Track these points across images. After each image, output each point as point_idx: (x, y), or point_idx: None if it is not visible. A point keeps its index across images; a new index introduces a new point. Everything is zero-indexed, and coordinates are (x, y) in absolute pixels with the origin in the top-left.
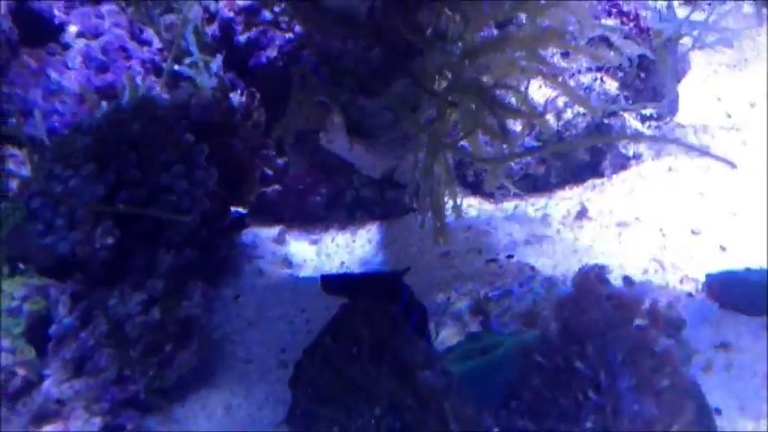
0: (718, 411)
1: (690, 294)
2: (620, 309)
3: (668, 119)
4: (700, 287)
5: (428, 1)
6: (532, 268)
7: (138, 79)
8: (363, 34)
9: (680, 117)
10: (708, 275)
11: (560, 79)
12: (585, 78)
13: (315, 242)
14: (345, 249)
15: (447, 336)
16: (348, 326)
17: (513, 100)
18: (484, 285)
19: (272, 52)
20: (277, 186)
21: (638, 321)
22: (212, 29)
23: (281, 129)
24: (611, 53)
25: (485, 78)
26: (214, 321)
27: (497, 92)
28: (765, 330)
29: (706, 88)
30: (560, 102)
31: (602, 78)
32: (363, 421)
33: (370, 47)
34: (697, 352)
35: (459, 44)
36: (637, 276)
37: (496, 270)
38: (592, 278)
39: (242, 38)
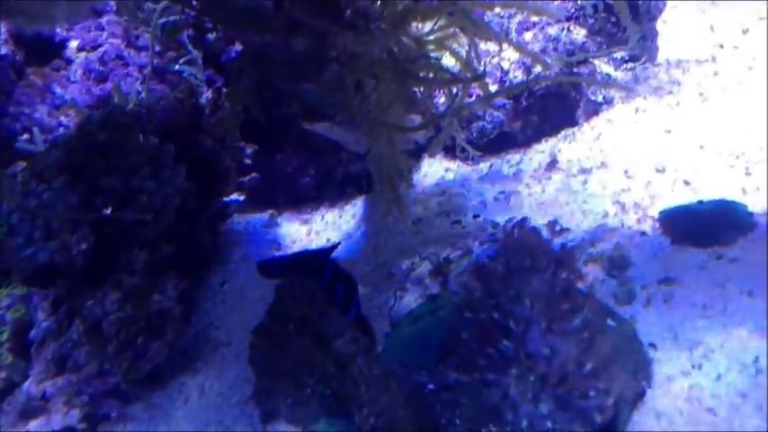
0: (653, 345)
1: (643, 233)
2: (531, 258)
3: (643, 59)
4: (657, 225)
5: None
6: (495, 226)
7: (137, 84)
8: (277, 27)
9: (667, 53)
10: (661, 212)
11: (511, 37)
12: (553, 30)
13: (306, 222)
14: (333, 226)
15: (410, 300)
16: (281, 304)
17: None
18: (446, 248)
19: (239, 46)
20: (254, 174)
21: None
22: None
23: (221, 127)
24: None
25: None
26: (203, 309)
27: (423, 61)
28: (712, 261)
29: (703, 19)
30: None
31: (569, 28)
32: (307, 392)
33: (290, 37)
34: (645, 287)
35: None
36: (596, 220)
37: (460, 231)
38: (512, 231)
39: (211, 36)
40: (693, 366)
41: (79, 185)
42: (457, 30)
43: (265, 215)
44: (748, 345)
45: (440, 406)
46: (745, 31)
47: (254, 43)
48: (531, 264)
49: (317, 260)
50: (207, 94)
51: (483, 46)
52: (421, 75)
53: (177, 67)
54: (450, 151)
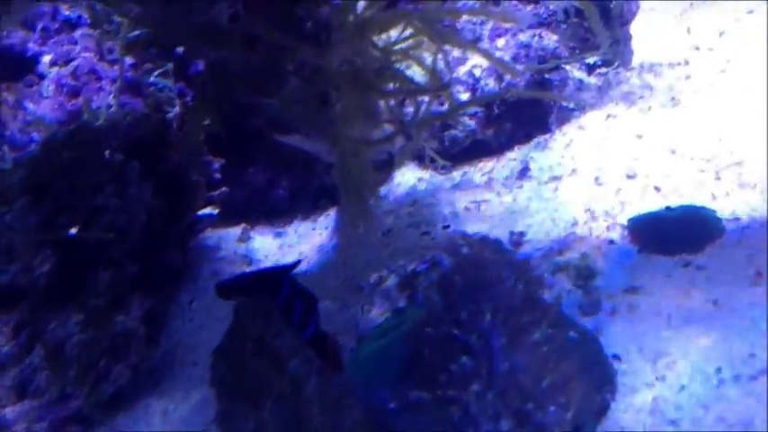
0: (618, 357)
1: (612, 241)
2: (492, 271)
3: (616, 64)
4: (626, 232)
5: None
6: (464, 237)
7: (111, 98)
8: (233, 42)
9: (643, 56)
10: (629, 219)
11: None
12: (524, 36)
13: (279, 235)
14: (306, 239)
15: (377, 314)
16: (239, 325)
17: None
18: (414, 259)
19: None
20: (224, 189)
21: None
22: None
23: (183, 142)
24: (528, 11)
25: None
26: (171, 327)
27: (388, 72)
28: (679, 268)
29: (681, 21)
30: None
31: (540, 34)
32: (266, 414)
33: (247, 51)
34: (611, 296)
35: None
36: (566, 228)
37: (429, 242)
38: (473, 245)
39: (180, 48)
40: (657, 378)
41: (43, 205)
42: (424, 39)
43: (238, 229)
44: (711, 355)
45: (401, 425)
46: (721, 34)
47: (212, 58)
48: (491, 277)
49: (275, 279)
50: (176, 108)
51: (456, 53)
52: (384, 86)
53: (152, 79)
54: (424, 160)
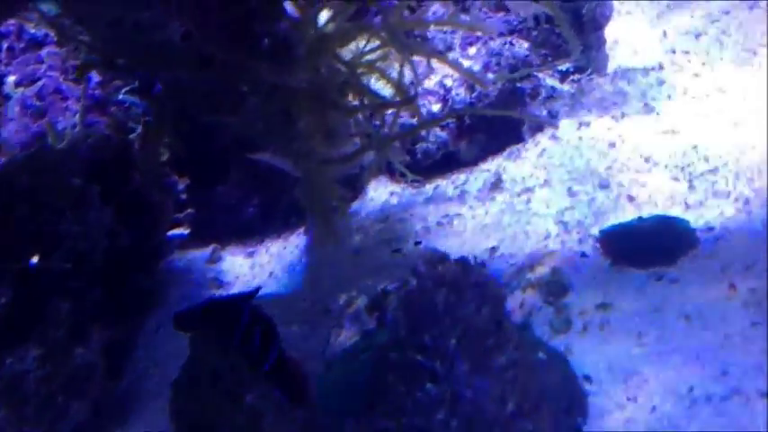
0: (588, 378)
1: (584, 254)
2: (456, 293)
3: (590, 70)
4: (598, 245)
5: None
6: (434, 255)
7: (77, 118)
8: (187, 62)
9: (619, 61)
10: (601, 231)
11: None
12: (495, 44)
13: (250, 255)
14: (277, 258)
15: (346, 337)
16: (196, 357)
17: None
18: (384, 279)
19: None
20: (190, 210)
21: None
22: None
23: (142, 164)
24: (498, 17)
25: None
26: (137, 356)
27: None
28: (651, 282)
29: (658, 24)
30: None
31: (511, 42)
32: None
33: (203, 70)
34: (582, 313)
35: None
36: (538, 242)
37: (399, 260)
38: (441, 265)
39: None
40: (629, 399)
41: (1, 233)
42: (390, 51)
43: (208, 250)
44: (683, 373)
45: None
46: (697, 36)
47: (167, 79)
48: (457, 299)
49: (233, 307)
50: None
51: (433, 62)
52: (348, 102)
53: (121, 96)
54: (396, 174)
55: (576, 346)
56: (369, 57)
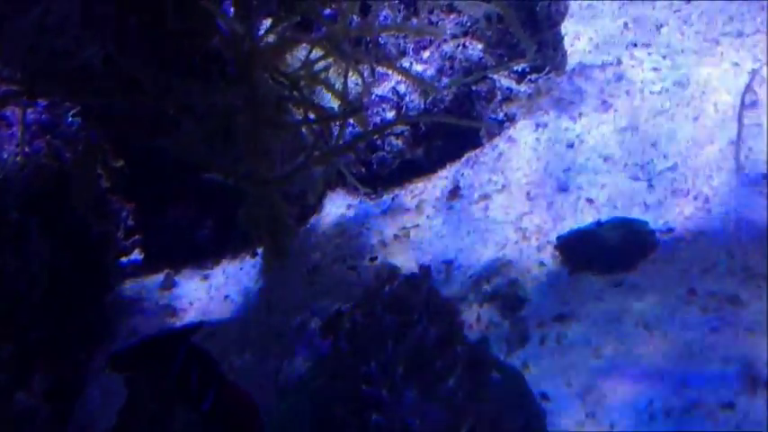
0: (545, 396)
1: (542, 263)
2: (403, 313)
3: (547, 69)
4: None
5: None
6: (388, 272)
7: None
8: (110, 87)
9: (580, 57)
10: (558, 237)
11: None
12: (448, 47)
13: (206, 278)
14: (233, 280)
15: (300, 363)
16: (131, 400)
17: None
18: (339, 299)
19: None
20: (137, 237)
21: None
22: None
23: (76, 192)
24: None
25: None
26: (85, 395)
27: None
28: (610, 289)
29: (620, 15)
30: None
31: (464, 44)
32: None
33: (130, 94)
34: (540, 325)
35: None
36: (496, 251)
37: (354, 278)
38: (378, 286)
39: None
40: (587, 415)
41: None
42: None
43: (162, 276)
44: (641, 386)
45: None
46: (659, 27)
47: (93, 105)
48: (402, 320)
49: (170, 345)
50: None
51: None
52: (285, 118)
53: (70, 119)
54: (354, 186)
55: (533, 361)
56: (313, 67)
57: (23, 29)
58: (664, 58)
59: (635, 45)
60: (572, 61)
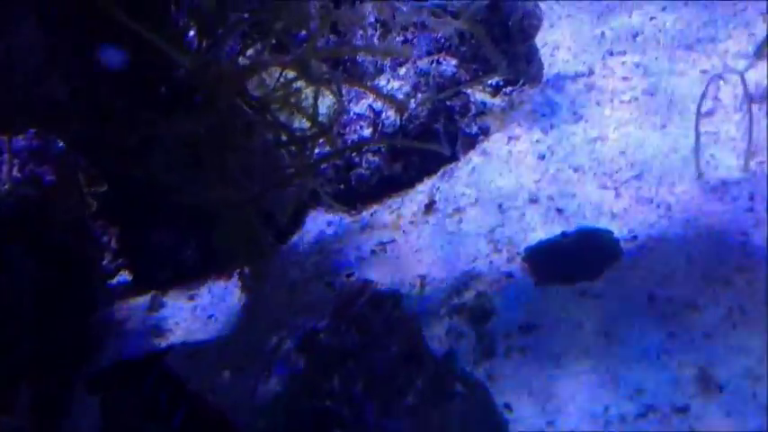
0: (509, 406)
1: (510, 275)
2: (365, 331)
3: (521, 82)
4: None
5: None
6: (359, 287)
7: (15, 171)
8: (78, 117)
9: (558, 68)
10: (526, 249)
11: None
12: (423, 63)
13: (192, 298)
14: (219, 299)
15: (276, 382)
16: (106, 421)
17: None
18: (315, 316)
19: None
20: (120, 260)
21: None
22: None
23: (59, 217)
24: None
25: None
26: (73, 415)
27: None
28: (575, 299)
29: (598, 24)
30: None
31: (438, 60)
32: None
33: (95, 125)
34: (506, 336)
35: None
36: (467, 263)
37: (330, 295)
38: (343, 304)
39: None
40: (548, 423)
41: None
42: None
43: (148, 297)
44: (599, 393)
45: None
46: (635, 36)
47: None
48: (363, 338)
49: (141, 367)
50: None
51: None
52: (250, 143)
53: (60, 144)
54: (337, 201)
55: (498, 372)
56: (285, 90)
57: None
58: (637, 66)
59: (611, 54)
60: (551, 72)
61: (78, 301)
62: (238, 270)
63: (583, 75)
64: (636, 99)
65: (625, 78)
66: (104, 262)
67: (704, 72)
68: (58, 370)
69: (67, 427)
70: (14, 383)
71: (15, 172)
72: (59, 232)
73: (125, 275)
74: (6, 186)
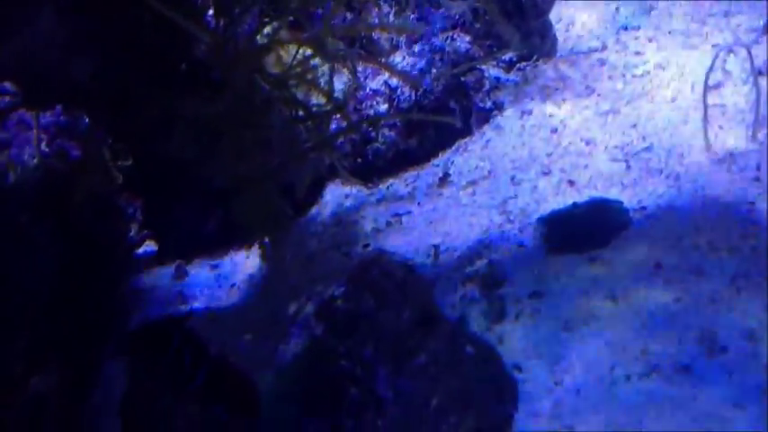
0: (518, 367)
1: (521, 244)
2: (378, 297)
3: (535, 57)
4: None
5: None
6: (376, 256)
7: (43, 145)
8: (99, 98)
9: (572, 43)
10: (538, 219)
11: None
12: (438, 40)
13: (215, 267)
14: (240, 268)
15: (295, 345)
16: (133, 382)
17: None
18: (333, 284)
19: None
20: (145, 232)
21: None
22: None
23: (83, 191)
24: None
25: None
26: (104, 377)
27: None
28: (583, 266)
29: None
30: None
31: (453, 37)
32: None
33: (116, 106)
34: (516, 302)
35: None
36: (481, 233)
37: (347, 264)
38: (360, 271)
39: None
40: (556, 383)
41: None
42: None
43: (173, 267)
44: (605, 354)
45: None
46: (650, 10)
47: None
48: (376, 303)
49: (165, 330)
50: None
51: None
52: (268, 120)
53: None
54: (354, 175)
55: (508, 335)
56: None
57: (11, 51)
58: (650, 40)
59: (625, 28)
60: (566, 47)
61: (106, 272)
62: (258, 241)
63: (596, 49)
64: (648, 73)
65: (638, 53)
66: (131, 233)
67: (715, 46)
68: (87, 339)
69: (97, 395)
70: (45, 354)
71: (44, 146)
72: (86, 205)
73: (151, 246)
74: (35, 160)
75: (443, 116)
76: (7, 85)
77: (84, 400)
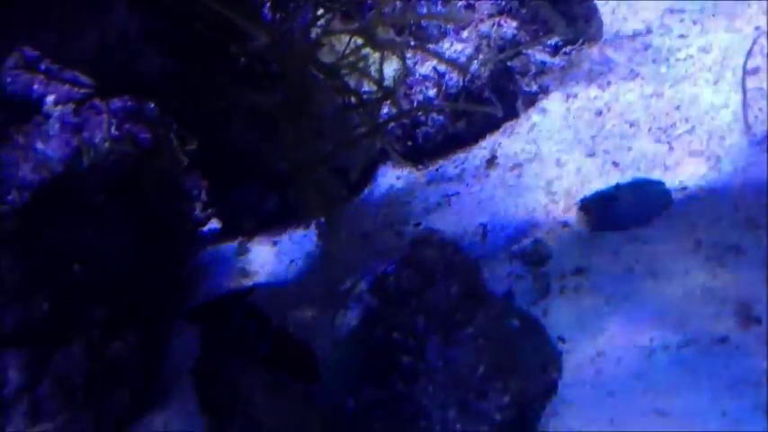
0: (562, 339)
1: (565, 224)
2: (426, 273)
3: (581, 41)
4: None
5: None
6: (425, 236)
7: (113, 129)
8: (167, 92)
9: (618, 26)
10: (582, 199)
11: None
12: (485, 26)
13: (275, 244)
14: (298, 246)
15: (351, 318)
16: (204, 349)
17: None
18: (385, 261)
19: None
20: (210, 210)
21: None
22: None
23: (153, 174)
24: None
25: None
26: (173, 346)
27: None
28: (626, 244)
29: None
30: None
31: (499, 22)
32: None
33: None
34: (561, 278)
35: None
36: (527, 214)
37: (399, 242)
38: (410, 250)
39: None
40: (598, 354)
41: (31, 256)
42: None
43: (236, 243)
44: (645, 326)
45: (359, 423)
46: None
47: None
48: (427, 279)
49: (231, 304)
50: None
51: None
52: (321, 109)
53: (152, 105)
54: (405, 158)
55: (553, 309)
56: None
57: (86, 46)
58: (694, 23)
59: (670, 12)
60: (611, 30)
61: (174, 247)
62: (315, 220)
63: (640, 33)
64: (691, 57)
65: (681, 36)
66: (196, 212)
67: (757, 29)
68: (159, 309)
69: (168, 361)
70: (122, 323)
71: (113, 130)
72: (155, 186)
73: (214, 223)
74: (107, 144)
75: (490, 102)
76: (82, 77)
77: (159, 363)
